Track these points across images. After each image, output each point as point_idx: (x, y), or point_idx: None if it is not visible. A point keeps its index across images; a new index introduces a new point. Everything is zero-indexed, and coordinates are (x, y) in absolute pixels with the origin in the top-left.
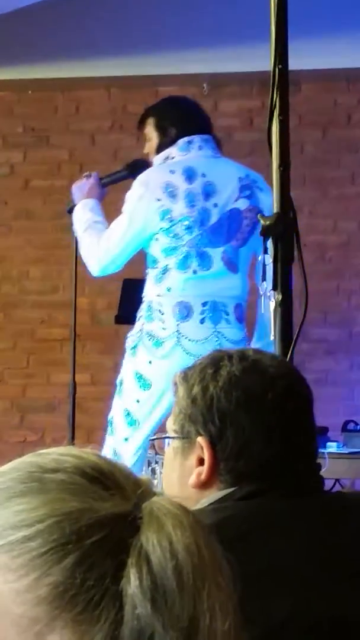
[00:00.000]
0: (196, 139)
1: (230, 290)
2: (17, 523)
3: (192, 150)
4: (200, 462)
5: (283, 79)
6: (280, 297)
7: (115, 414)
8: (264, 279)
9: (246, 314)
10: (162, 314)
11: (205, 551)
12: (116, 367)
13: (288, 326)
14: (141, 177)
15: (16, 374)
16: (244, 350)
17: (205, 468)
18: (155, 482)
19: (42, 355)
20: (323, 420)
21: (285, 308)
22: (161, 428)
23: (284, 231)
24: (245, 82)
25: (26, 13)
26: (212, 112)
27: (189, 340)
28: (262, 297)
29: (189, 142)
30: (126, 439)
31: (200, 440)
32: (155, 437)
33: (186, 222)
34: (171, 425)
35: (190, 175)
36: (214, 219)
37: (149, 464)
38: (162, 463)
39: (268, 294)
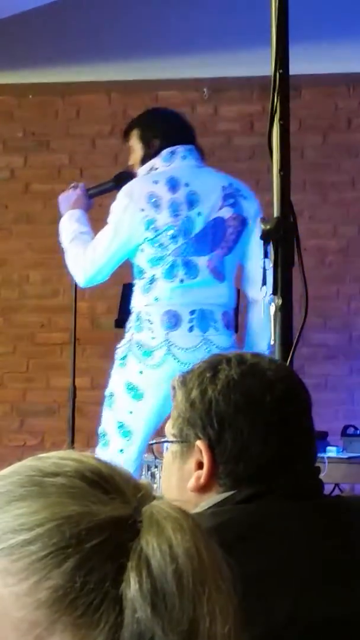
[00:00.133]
0: (179, 149)
1: (217, 298)
2: (17, 527)
3: (175, 161)
4: (199, 465)
5: (283, 83)
6: (280, 301)
7: (107, 426)
8: (264, 283)
9: (234, 321)
10: (151, 323)
11: (205, 555)
12: None
13: (288, 330)
14: (125, 188)
15: (16, 378)
16: (242, 354)
17: (204, 471)
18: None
19: (42, 360)
20: (322, 424)
21: (285, 312)
22: (158, 433)
23: (284, 236)
24: (245, 87)
25: (26, 18)
26: (212, 117)
27: (179, 348)
28: (250, 304)
29: (172, 153)
30: (121, 450)
31: (199, 443)
32: (154, 441)
33: (170, 232)
34: (170, 430)
35: (173, 185)
36: (198, 228)
37: (149, 468)
38: (162, 467)
39: (268, 299)
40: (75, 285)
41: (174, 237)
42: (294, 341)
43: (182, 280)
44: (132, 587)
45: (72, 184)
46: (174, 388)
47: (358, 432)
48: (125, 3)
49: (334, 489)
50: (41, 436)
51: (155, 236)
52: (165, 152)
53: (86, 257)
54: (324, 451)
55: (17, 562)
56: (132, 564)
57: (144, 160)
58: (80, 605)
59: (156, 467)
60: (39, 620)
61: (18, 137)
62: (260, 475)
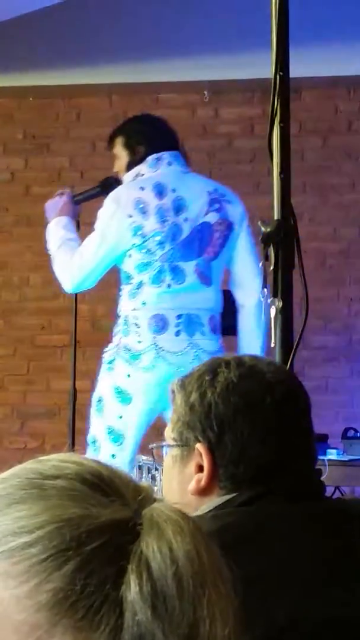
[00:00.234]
0: (165, 155)
1: (204, 302)
2: (17, 529)
3: (161, 167)
4: (200, 469)
5: (284, 86)
6: (280, 304)
7: (97, 433)
8: (264, 285)
9: (220, 325)
10: (138, 327)
11: (205, 557)
12: None
13: (288, 333)
14: (112, 195)
15: (16, 381)
16: (240, 357)
17: (204, 474)
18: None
19: (43, 362)
20: (323, 427)
21: (285, 315)
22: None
23: (284, 238)
24: (246, 89)
25: (27, 20)
26: (212, 119)
27: (166, 352)
28: (239, 308)
29: (158, 159)
30: (113, 456)
31: (199, 447)
32: (154, 445)
33: (158, 238)
34: (169, 433)
35: (160, 191)
36: (185, 233)
37: (149, 470)
38: (162, 471)
39: (268, 301)
40: None
41: (161, 243)
42: (295, 343)
43: (169, 285)
44: (133, 590)
45: (59, 191)
46: (172, 392)
47: (358, 434)
48: (125, 5)
49: (334, 491)
50: (42, 439)
51: (143, 242)
52: (150, 158)
53: (73, 263)
54: (325, 454)
55: (18, 565)
56: (133, 566)
57: (129, 167)
58: (80, 607)
59: (157, 469)
60: (40, 623)
61: (18, 140)
62: (260, 477)
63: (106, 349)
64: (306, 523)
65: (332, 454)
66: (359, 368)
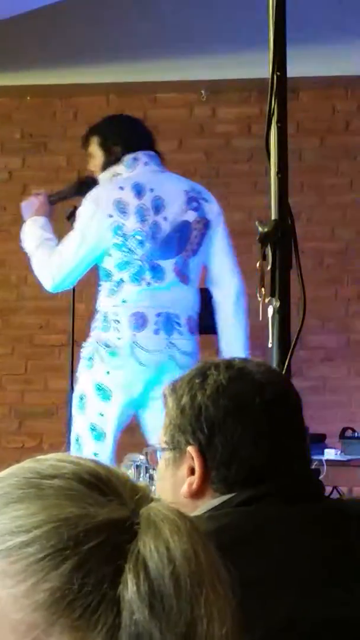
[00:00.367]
0: (141, 155)
1: (182, 301)
2: (14, 529)
3: (138, 167)
4: (192, 471)
5: (281, 85)
6: (278, 304)
7: (80, 430)
8: (261, 285)
9: (197, 326)
10: (118, 323)
11: (202, 557)
12: None
13: (286, 333)
14: (91, 195)
15: (14, 380)
16: (230, 360)
17: (196, 477)
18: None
19: (41, 361)
20: (321, 427)
21: (283, 315)
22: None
23: (281, 238)
24: (243, 89)
25: (24, 19)
26: (210, 119)
27: (144, 350)
28: (217, 305)
29: (135, 159)
30: (96, 453)
31: (190, 449)
32: (147, 449)
33: (138, 237)
34: (162, 437)
35: (139, 190)
36: (164, 232)
37: (147, 470)
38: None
39: (266, 301)
40: (74, 286)
41: (141, 241)
42: (292, 343)
43: (149, 284)
44: (130, 589)
45: (35, 192)
46: (164, 395)
47: (356, 434)
48: (123, 5)
49: (332, 491)
50: (39, 438)
51: (123, 241)
52: (127, 158)
53: (53, 262)
54: (322, 454)
55: (15, 564)
56: (130, 566)
57: (105, 167)
58: (78, 607)
59: (154, 469)
60: (37, 622)
61: (16, 139)
62: (253, 479)
63: (84, 345)
64: (304, 524)
65: (330, 454)
66: (357, 368)
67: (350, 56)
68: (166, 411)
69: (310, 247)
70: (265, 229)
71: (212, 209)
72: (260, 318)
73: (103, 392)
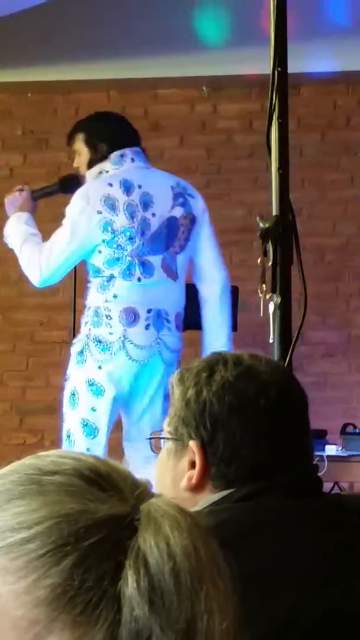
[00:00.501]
0: (127, 151)
1: (171, 297)
2: (15, 525)
3: (125, 163)
4: (192, 465)
5: (282, 81)
6: (279, 299)
7: (72, 426)
8: (262, 281)
9: (183, 322)
10: (110, 318)
11: (202, 552)
12: None
13: (287, 329)
14: (81, 191)
15: (16, 376)
16: (239, 355)
17: (195, 472)
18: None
19: (42, 358)
20: (322, 423)
21: (284, 311)
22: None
23: (282, 234)
24: (244, 85)
25: (25, 16)
26: (211, 115)
27: (134, 345)
28: (203, 301)
29: (122, 156)
30: (88, 449)
31: (192, 444)
32: (151, 436)
33: (128, 233)
34: (166, 426)
35: (127, 187)
36: (153, 228)
37: None
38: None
39: (267, 297)
40: (75, 283)
41: (131, 238)
42: (293, 339)
43: (139, 279)
44: (130, 585)
45: (18, 187)
46: (171, 385)
47: (357, 430)
48: (123, 1)
49: (333, 487)
50: (41, 434)
51: (113, 237)
52: (114, 155)
53: (41, 258)
54: (323, 449)
55: (16, 561)
56: (130, 561)
57: (91, 164)
58: (78, 603)
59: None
60: (38, 619)
61: (17, 135)
62: (252, 478)
63: (75, 340)
64: (305, 519)
65: (331, 450)
66: (358, 364)
67: (351, 52)
68: (172, 401)
69: (311, 243)
70: (267, 225)
71: (198, 204)
72: (262, 314)
73: (95, 387)
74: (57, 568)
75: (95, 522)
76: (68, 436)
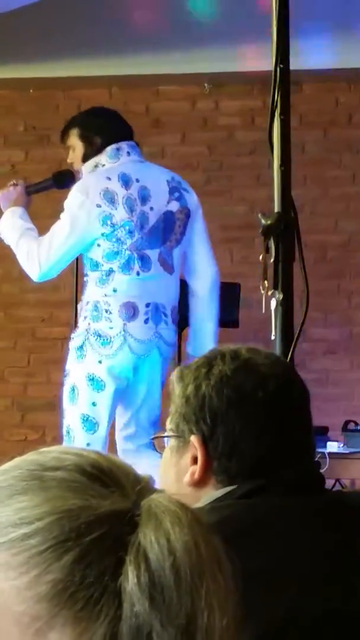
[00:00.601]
0: (123, 145)
1: (167, 291)
2: (17, 520)
3: (121, 157)
4: (195, 460)
5: (284, 78)
6: (281, 296)
7: (72, 422)
8: (264, 278)
9: (177, 316)
10: (110, 313)
11: (203, 548)
12: None
13: (289, 326)
14: (79, 185)
15: (17, 373)
16: (237, 349)
17: (198, 467)
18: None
19: (43, 354)
20: (323, 419)
21: (286, 307)
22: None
23: (284, 231)
24: (246, 82)
25: (27, 12)
26: (213, 112)
27: (135, 339)
28: (192, 295)
29: (118, 149)
30: (88, 445)
31: (193, 439)
32: (154, 436)
33: (127, 227)
34: (168, 424)
35: (126, 181)
36: (151, 222)
37: None
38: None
39: (269, 294)
40: (76, 279)
41: (130, 232)
42: (295, 336)
43: (138, 273)
44: (131, 581)
45: (12, 182)
46: (172, 382)
47: (359, 427)
48: None
49: (334, 484)
50: (42, 431)
51: (112, 231)
52: (110, 149)
53: (40, 252)
54: (325, 446)
55: (18, 556)
56: (131, 557)
57: (86, 158)
58: (80, 598)
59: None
60: (40, 614)
61: (19, 132)
62: (254, 472)
63: (73, 335)
64: (306, 517)
65: (332, 447)
66: (359, 361)
67: (353, 49)
68: (172, 398)
69: (313, 240)
70: (269, 222)
71: (192, 199)
72: (263, 311)
73: (95, 382)
74: (58, 564)
75: (96, 518)
76: (68, 432)
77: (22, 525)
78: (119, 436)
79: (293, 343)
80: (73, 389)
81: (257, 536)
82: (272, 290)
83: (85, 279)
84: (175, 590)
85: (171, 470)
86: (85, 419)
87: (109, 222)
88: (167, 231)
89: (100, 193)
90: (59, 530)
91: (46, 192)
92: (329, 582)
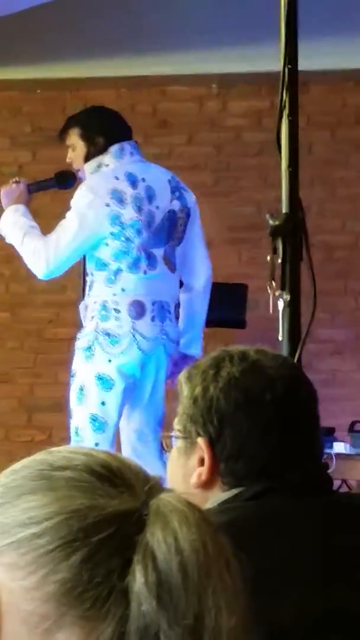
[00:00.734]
0: (126, 145)
1: (170, 289)
2: (26, 520)
3: (125, 157)
4: (202, 462)
5: (292, 79)
6: (288, 297)
7: (80, 422)
8: (272, 278)
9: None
10: (119, 312)
11: (211, 547)
12: None
13: (296, 326)
14: (88, 184)
15: (24, 374)
16: (245, 351)
17: (204, 469)
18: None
19: (50, 355)
20: (330, 420)
21: (293, 308)
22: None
23: (292, 231)
24: (254, 82)
25: (34, 13)
26: (221, 112)
27: (143, 337)
28: (188, 291)
29: (121, 149)
30: (97, 444)
31: (200, 441)
32: (163, 435)
33: (136, 226)
34: (175, 425)
35: (133, 180)
36: (157, 221)
37: None
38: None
39: (277, 294)
40: (84, 280)
41: (138, 231)
42: (302, 337)
43: (145, 272)
44: (138, 580)
45: (14, 179)
46: (180, 383)
47: None
48: None
49: (341, 484)
50: (49, 431)
51: (121, 230)
52: (114, 148)
53: (48, 250)
54: (332, 447)
55: (26, 556)
56: (138, 557)
57: (87, 158)
58: (87, 598)
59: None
60: (48, 614)
61: (26, 132)
62: (261, 473)
63: (80, 335)
64: (312, 519)
65: (339, 448)
66: None
67: None
68: (180, 399)
69: (320, 241)
70: (276, 223)
71: (191, 198)
72: (271, 311)
73: (105, 381)
74: (66, 563)
75: (104, 518)
76: (76, 432)
77: (30, 525)
78: (124, 433)
79: (300, 344)
80: (81, 389)
81: (262, 538)
82: (280, 291)
83: (88, 278)
84: (182, 590)
85: (178, 471)
86: (94, 418)
87: (117, 222)
88: (171, 230)
89: (109, 192)
90: (67, 530)
91: (48, 191)
92: (333, 583)
